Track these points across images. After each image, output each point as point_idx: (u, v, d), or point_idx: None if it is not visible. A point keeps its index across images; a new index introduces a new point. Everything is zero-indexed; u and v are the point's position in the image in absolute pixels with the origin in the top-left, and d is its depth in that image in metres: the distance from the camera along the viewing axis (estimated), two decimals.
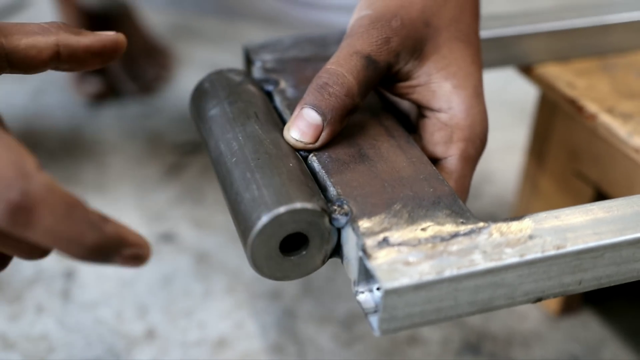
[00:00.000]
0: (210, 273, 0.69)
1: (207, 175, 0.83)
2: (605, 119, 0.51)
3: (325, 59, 0.42)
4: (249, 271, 0.68)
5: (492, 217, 0.77)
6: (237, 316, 0.65)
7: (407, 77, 0.42)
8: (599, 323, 0.65)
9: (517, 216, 0.36)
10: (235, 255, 0.71)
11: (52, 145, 0.87)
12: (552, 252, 0.34)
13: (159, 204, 0.78)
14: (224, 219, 0.76)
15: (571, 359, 0.62)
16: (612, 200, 0.37)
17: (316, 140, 0.39)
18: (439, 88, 0.41)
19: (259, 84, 0.46)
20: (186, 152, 0.86)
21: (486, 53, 0.50)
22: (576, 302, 0.66)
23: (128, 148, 0.87)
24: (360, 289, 0.35)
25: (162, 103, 0.96)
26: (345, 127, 0.41)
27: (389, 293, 0.32)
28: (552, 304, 0.66)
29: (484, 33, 0.52)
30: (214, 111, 0.43)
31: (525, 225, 0.35)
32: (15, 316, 0.64)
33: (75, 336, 0.62)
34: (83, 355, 0.60)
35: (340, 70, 0.39)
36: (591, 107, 0.52)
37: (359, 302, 0.35)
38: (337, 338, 0.63)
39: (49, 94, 0.96)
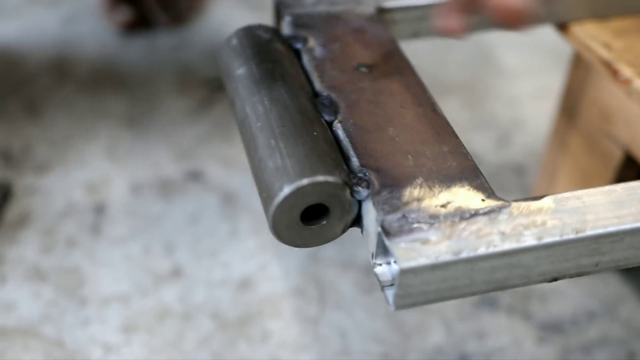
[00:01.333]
0: (237, 213, 0.70)
1: None
2: None
3: (357, 16, 0.41)
4: None
5: (521, 168, 0.76)
6: (261, 258, 0.66)
7: None
8: (619, 280, 0.66)
9: (538, 196, 0.36)
10: None
11: (83, 75, 0.87)
12: (571, 236, 0.34)
13: (187, 141, 0.78)
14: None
15: (588, 314, 0.63)
16: (637, 182, 0.37)
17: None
18: None
19: (287, 41, 0.46)
20: (216, 87, 0.86)
21: None
22: None
23: (158, 81, 0.87)
24: (378, 261, 0.36)
25: (194, 36, 0.95)
26: (373, 93, 0.41)
27: (405, 272, 0.32)
28: None
29: None
30: (240, 70, 0.43)
31: (546, 206, 0.35)
32: (47, 249, 0.66)
33: (104, 270, 0.64)
34: (112, 290, 0.62)
35: None
36: (626, 71, 0.51)
37: (376, 275, 0.36)
38: (357, 284, 0.64)
39: (80, 22, 0.96)
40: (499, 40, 0.95)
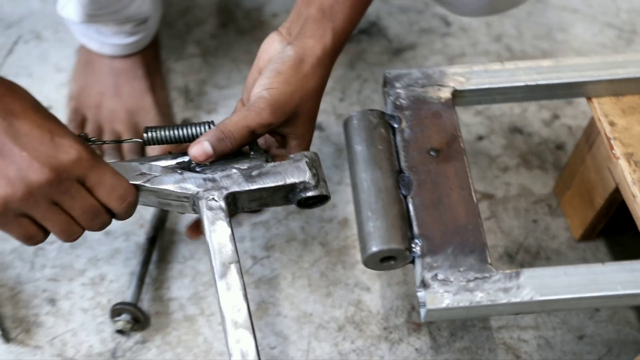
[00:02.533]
0: (345, 164, 0.98)
1: (356, 68, 1.07)
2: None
3: (437, 99, 0.67)
4: None
5: (562, 145, 0.99)
6: None
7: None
8: (607, 250, 0.92)
9: (516, 271, 0.63)
10: None
11: (243, 21, 1.12)
12: (526, 299, 0.62)
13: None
14: None
15: None
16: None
17: (203, 160, 0.65)
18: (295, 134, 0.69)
19: (388, 120, 0.71)
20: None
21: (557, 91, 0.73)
22: (594, 232, 0.91)
23: None
24: (419, 291, 0.64)
25: None
26: (436, 175, 0.67)
27: (429, 310, 0.61)
28: (576, 230, 0.92)
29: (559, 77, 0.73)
30: (357, 147, 0.69)
31: (521, 280, 0.62)
32: None
33: None
34: (258, 217, 0.93)
35: (233, 136, 0.65)
36: (618, 150, 0.73)
37: (418, 297, 0.65)
38: None
39: None
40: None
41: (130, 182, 0.63)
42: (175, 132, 0.69)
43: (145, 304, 0.85)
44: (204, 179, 0.65)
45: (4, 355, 0.81)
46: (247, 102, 0.68)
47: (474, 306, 0.61)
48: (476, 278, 0.62)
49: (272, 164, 0.67)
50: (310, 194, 0.67)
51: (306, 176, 0.66)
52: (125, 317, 0.81)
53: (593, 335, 0.86)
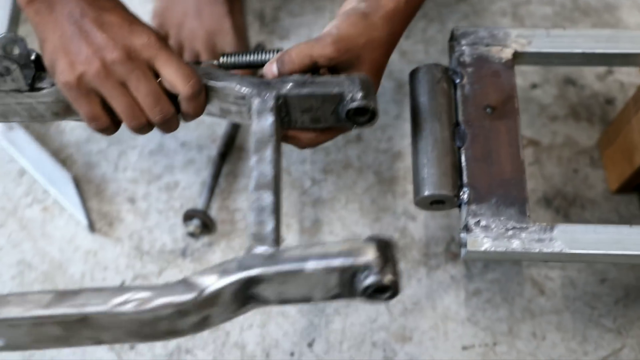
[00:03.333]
0: (404, 100, 1.05)
1: (424, 7, 1.11)
2: None
3: (499, 59, 0.73)
4: None
5: (611, 100, 1.04)
6: None
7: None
8: (638, 205, 0.99)
9: (551, 225, 0.71)
10: None
11: None
12: (556, 251, 0.70)
13: None
14: (425, 56, 1.08)
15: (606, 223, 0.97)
16: None
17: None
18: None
19: (450, 76, 0.78)
20: None
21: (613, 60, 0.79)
22: (630, 187, 0.98)
23: None
24: (461, 233, 0.73)
25: None
26: (489, 130, 0.74)
27: (468, 252, 0.70)
28: (613, 183, 0.98)
29: None
30: (421, 99, 0.76)
31: (554, 233, 0.70)
32: None
33: None
34: None
35: (294, 61, 0.70)
36: None
37: (460, 237, 0.73)
38: None
39: None
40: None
41: None
42: (248, 57, 0.76)
43: (213, 212, 0.95)
44: (260, 82, 0.71)
45: (90, 243, 0.93)
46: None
47: (509, 252, 0.70)
48: (514, 227, 0.70)
49: (326, 76, 0.71)
50: (357, 104, 0.69)
51: (356, 87, 0.69)
52: (196, 222, 0.91)
53: (614, 279, 0.94)
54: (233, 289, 0.58)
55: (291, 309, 0.90)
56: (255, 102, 0.69)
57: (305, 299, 0.61)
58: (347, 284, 0.59)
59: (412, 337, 0.90)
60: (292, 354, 0.88)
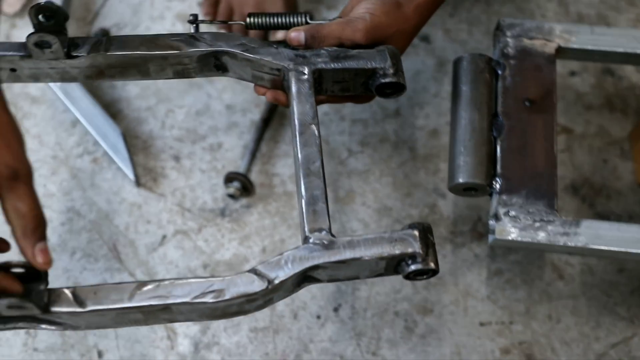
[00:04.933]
0: (443, 78, 1.07)
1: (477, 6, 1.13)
2: None
3: (541, 53, 0.76)
4: None
5: None
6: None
7: None
8: None
9: (577, 220, 0.74)
10: None
11: None
12: (580, 245, 0.73)
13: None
14: (468, 36, 1.10)
15: (630, 216, 1.00)
16: None
17: (295, 45, 0.75)
18: None
19: (493, 66, 0.80)
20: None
21: None
22: None
23: None
24: (490, 220, 0.76)
25: None
26: (526, 123, 0.77)
27: (496, 239, 0.74)
28: None
29: None
30: (463, 87, 0.79)
31: (579, 228, 0.74)
32: None
33: None
34: (359, 116, 1.05)
35: (323, 39, 0.75)
36: None
37: (488, 224, 0.77)
38: None
39: None
40: None
41: (230, 49, 0.74)
42: (275, 19, 0.79)
43: (253, 175, 1.00)
44: (296, 55, 0.74)
45: (135, 197, 0.98)
46: (346, 16, 0.78)
47: (534, 243, 0.73)
48: (542, 220, 0.74)
49: (357, 50, 0.75)
50: (387, 80, 0.74)
51: (387, 63, 0.74)
52: (236, 184, 0.96)
53: (632, 270, 0.97)
54: (296, 277, 0.65)
55: None
56: (292, 77, 0.73)
57: (353, 278, 0.69)
58: (391, 267, 0.68)
59: (433, 309, 0.95)
60: (318, 317, 0.94)
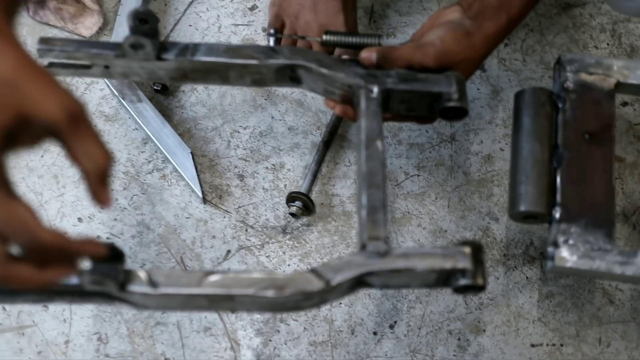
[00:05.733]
0: (499, 105, 1.11)
1: None
2: None
3: (600, 88, 0.80)
4: None
5: None
6: (504, 143, 1.09)
7: None
8: None
9: (634, 251, 0.77)
10: None
11: None
12: (637, 274, 0.76)
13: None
14: (522, 65, 1.13)
15: None
16: None
17: (367, 65, 0.81)
18: None
19: (554, 100, 0.84)
20: None
21: None
22: None
23: None
24: (549, 248, 0.80)
25: None
26: (585, 156, 0.81)
27: (555, 266, 0.77)
28: None
29: None
30: (525, 119, 0.83)
31: (637, 259, 0.77)
32: None
33: None
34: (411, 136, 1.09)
35: (394, 62, 0.80)
36: None
37: (547, 251, 0.80)
38: None
39: None
40: None
41: (306, 64, 0.80)
42: (350, 38, 0.86)
43: (313, 195, 1.04)
44: (367, 74, 0.80)
45: (201, 213, 1.03)
46: (416, 41, 0.84)
47: (592, 270, 0.77)
48: (600, 249, 0.77)
49: (425, 74, 0.80)
50: (452, 104, 0.79)
51: (452, 88, 0.79)
52: (298, 203, 1.00)
53: None
54: (351, 281, 0.69)
55: (377, 293, 0.99)
56: (362, 94, 0.79)
57: (404, 287, 0.76)
58: (441, 280, 0.73)
59: (485, 329, 0.98)
60: (374, 333, 0.97)
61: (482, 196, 1.05)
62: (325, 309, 0.98)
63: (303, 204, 1.00)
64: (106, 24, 1.14)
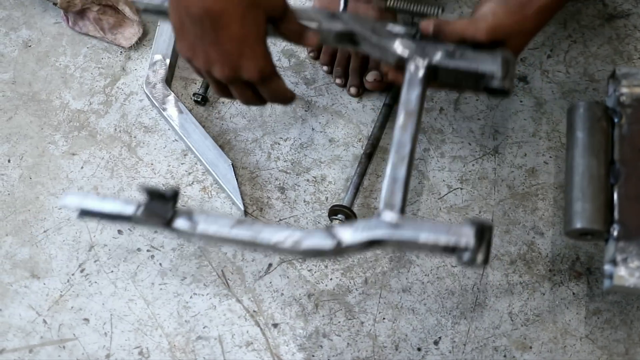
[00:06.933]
0: (542, 118, 1.09)
1: (568, 27, 1.15)
2: None
3: None
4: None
5: None
6: (547, 156, 1.07)
7: None
8: None
9: None
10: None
11: None
12: None
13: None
14: (565, 77, 1.11)
15: None
16: None
17: (425, 35, 0.85)
18: None
19: (610, 113, 0.82)
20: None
21: None
22: None
23: None
24: (606, 266, 0.78)
25: None
26: None
27: (614, 286, 0.76)
28: None
29: None
30: (579, 134, 0.81)
31: None
32: None
33: None
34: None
35: (447, 35, 0.84)
36: None
37: (604, 269, 0.78)
38: None
39: None
40: None
41: (361, 32, 0.85)
42: (413, 6, 0.89)
43: (355, 208, 1.02)
44: (417, 47, 0.84)
45: None
46: (473, 15, 0.85)
47: None
48: None
49: (474, 51, 0.82)
50: (494, 85, 0.81)
51: (497, 68, 0.81)
52: (340, 217, 0.99)
53: None
54: (362, 243, 0.77)
55: (421, 308, 0.98)
56: (408, 66, 0.83)
57: (414, 252, 0.86)
58: (448, 251, 0.76)
59: (532, 346, 0.96)
60: (419, 349, 0.96)
61: (527, 210, 1.04)
62: (368, 324, 0.97)
63: (345, 217, 0.99)
64: (145, 35, 1.13)
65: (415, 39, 0.84)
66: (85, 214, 0.81)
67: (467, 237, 0.74)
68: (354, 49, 0.90)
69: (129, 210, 0.78)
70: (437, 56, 0.82)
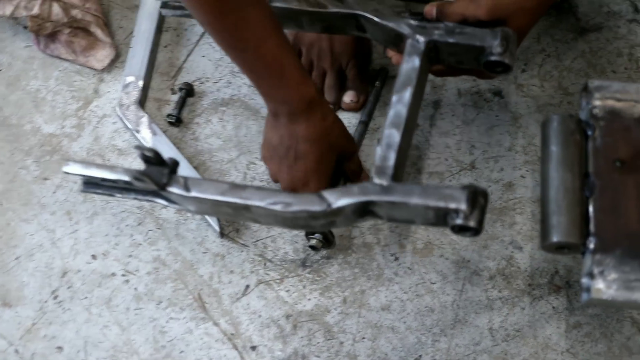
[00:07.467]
0: (518, 132, 1.09)
1: (541, 42, 1.15)
2: None
3: (630, 115, 0.78)
4: None
5: None
6: (524, 170, 1.07)
7: None
8: None
9: None
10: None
11: None
12: None
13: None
14: (540, 91, 1.11)
15: None
16: None
17: (428, 18, 0.88)
18: None
19: (583, 126, 0.82)
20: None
21: None
22: None
23: None
24: (583, 279, 0.77)
25: None
26: (618, 183, 0.79)
27: (592, 298, 0.75)
28: None
29: None
30: (553, 148, 0.81)
31: None
32: None
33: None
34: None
35: (447, 16, 0.87)
36: None
37: (582, 282, 0.78)
38: None
39: None
40: None
41: (364, 13, 0.89)
42: None
43: None
44: (417, 25, 0.86)
45: (218, 247, 1.00)
46: None
47: (630, 302, 0.74)
48: (637, 279, 0.75)
49: (472, 28, 0.84)
50: (493, 58, 0.83)
51: (495, 42, 0.82)
52: (318, 236, 0.98)
53: None
54: (353, 207, 0.77)
55: (401, 326, 0.96)
56: (409, 43, 0.85)
57: (409, 222, 0.80)
58: (441, 218, 0.77)
59: None
60: None
61: (505, 225, 1.03)
62: (347, 344, 0.95)
63: (323, 237, 0.98)
64: (118, 57, 1.12)
65: (416, 21, 0.86)
66: (87, 184, 0.86)
67: (458, 200, 0.74)
68: (357, 34, 0.92)
69: (127, 176, 0.82)
70: (437, 33, 0.84)
